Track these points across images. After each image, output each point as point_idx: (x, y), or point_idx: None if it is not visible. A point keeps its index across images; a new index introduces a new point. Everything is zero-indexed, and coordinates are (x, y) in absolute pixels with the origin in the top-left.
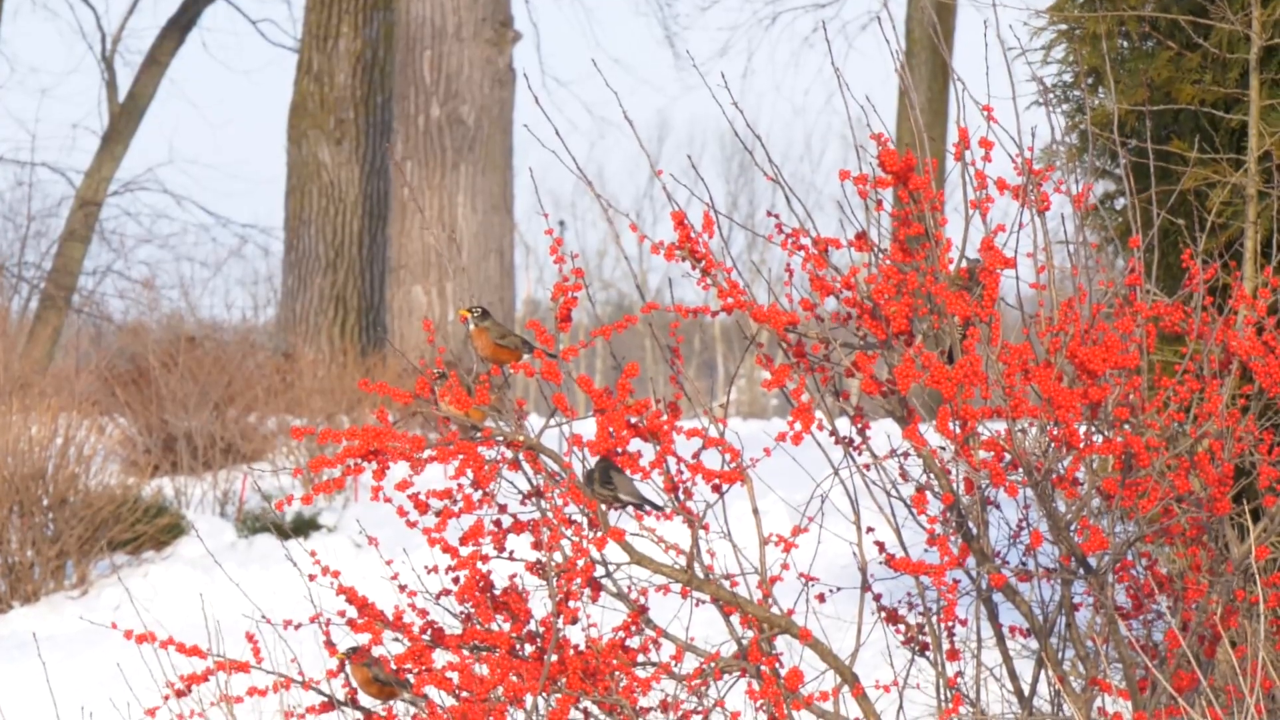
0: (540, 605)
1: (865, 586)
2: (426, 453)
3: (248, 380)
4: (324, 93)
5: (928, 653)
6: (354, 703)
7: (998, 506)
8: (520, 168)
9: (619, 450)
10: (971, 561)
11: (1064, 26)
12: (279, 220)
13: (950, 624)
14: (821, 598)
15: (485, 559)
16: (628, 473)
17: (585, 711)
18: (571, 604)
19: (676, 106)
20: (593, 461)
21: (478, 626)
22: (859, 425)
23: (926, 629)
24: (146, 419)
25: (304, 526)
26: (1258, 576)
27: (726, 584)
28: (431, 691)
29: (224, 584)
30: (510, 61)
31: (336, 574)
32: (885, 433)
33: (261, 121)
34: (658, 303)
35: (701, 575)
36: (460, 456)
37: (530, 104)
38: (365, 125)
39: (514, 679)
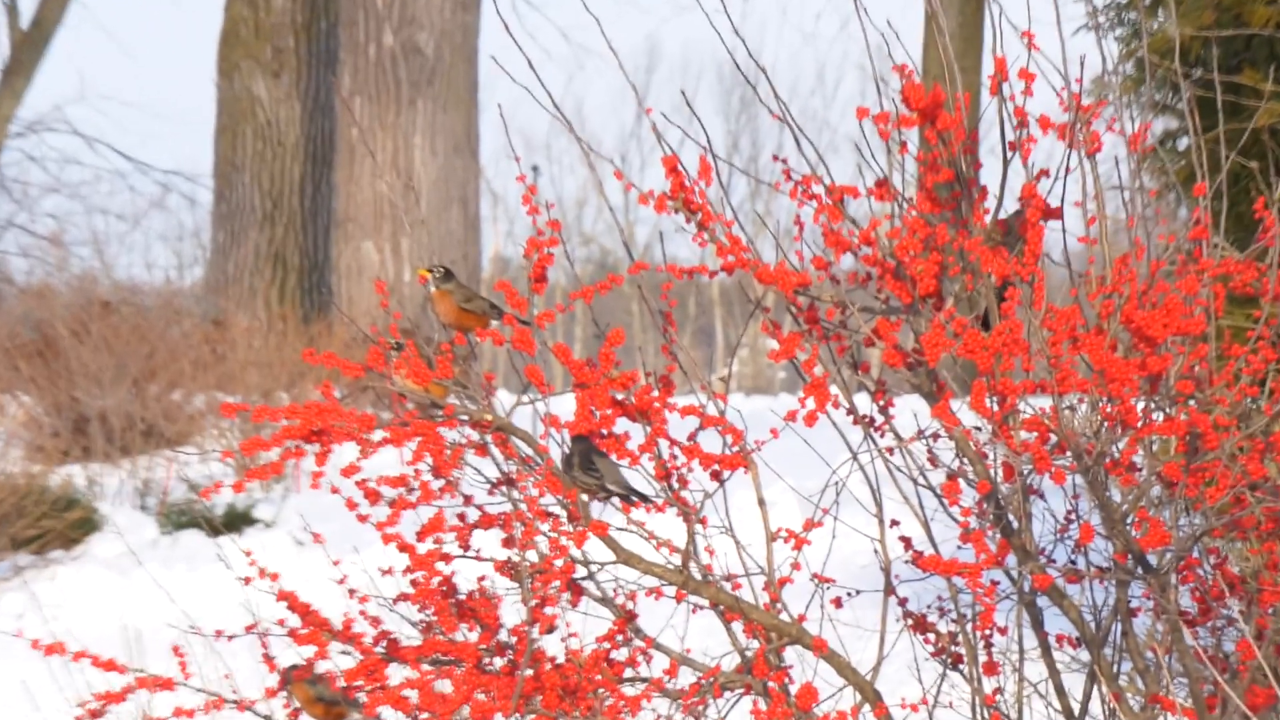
0: (512, 611)
1: (889, 589)
2: (378, 434)
3: (172, 352)
4: (259, 18)
5: (961, 666)
6: None
7: (1042, 496)
8: (487, 104)
9: (603, 431)
10: (1012, 560)
11: None
12: (207, 166)
13: (987, 632)
14: (838, 602)
15: (447, 558)
16: (613, 457)
17: None
18: (548, 610)
19: (668, 31)
20: (571, 444)
21: (439, 637)
22: (881, 402)
23: (960, 638)
24: (54, 397)
25: (237, 520)
26: None
27: (728, 586)
28: (386, 713)
29: (145, 587)
30: None
31: (275, 576)
32: (911, 411)
33: (187, 52)
34: (647, 261)
35: (699, 576)
36: (418, 438)
37: (498, 30)
38: (307, 55)
39: (481, 697)
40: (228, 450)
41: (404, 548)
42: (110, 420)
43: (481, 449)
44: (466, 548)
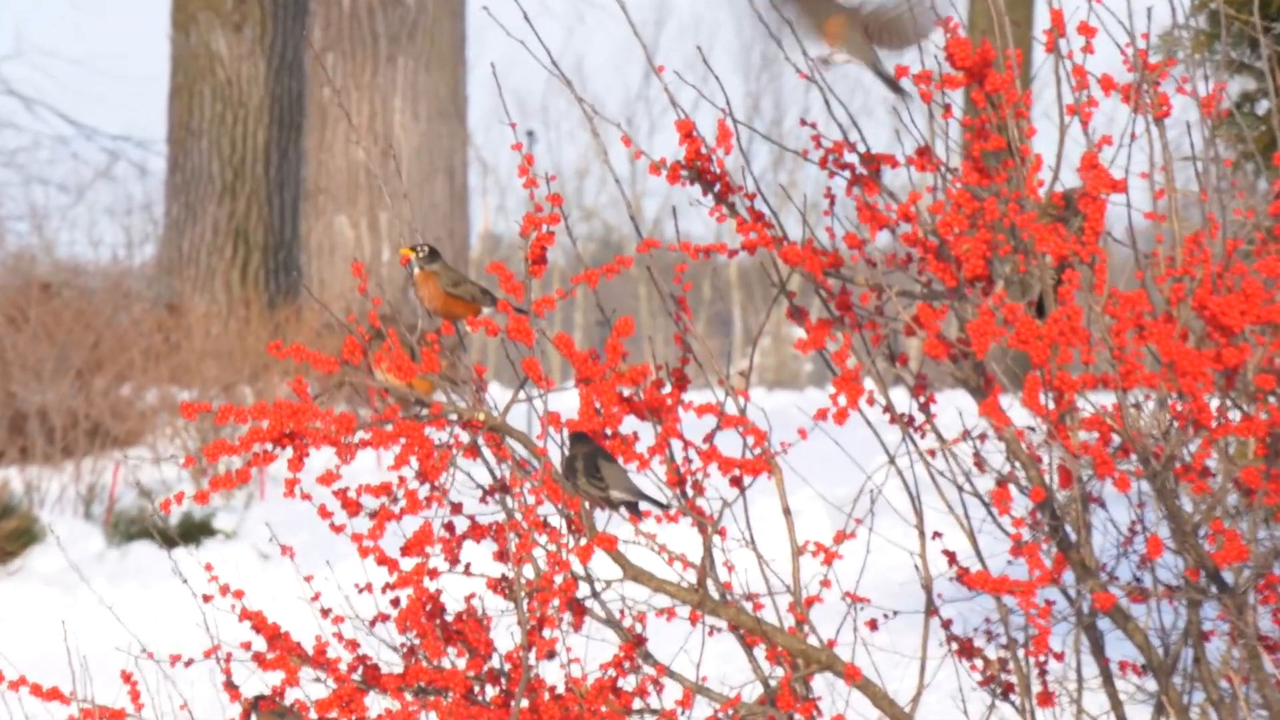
0: (506, 635)
1: (930, 610)
2: (358, 435)
3: (120, 340)
4: None
5: (1012, 696)
6: None
7: (1103, 505)
8: (475, 62)
9: (608, 431)
10: (1070, 577)
11: None
12: (160, 131)
13: (1042, 659)
14: (873, 624)
15: (434, 574)
16: (620, 461)
17: None
18: (547, 633)
19: None
20: (571, 445)
21: (424, 663)
22: (921, 398)
23: (1010, 665)
24: None
25: (194, 531)
26: None
27: (749, 606)
28: None
29: (91, 606)
30: None
31: (239, 594)
32: (955, 408)
33: (138, 2)
34: (657, 239)
35: (716, 595)
36: (401, 441)
37: None
38: (272, 6)
39: None
40: (188, 456)
41: (384, 562)
42: (51, 418)
43: (472, 452)
44: (455, 562)
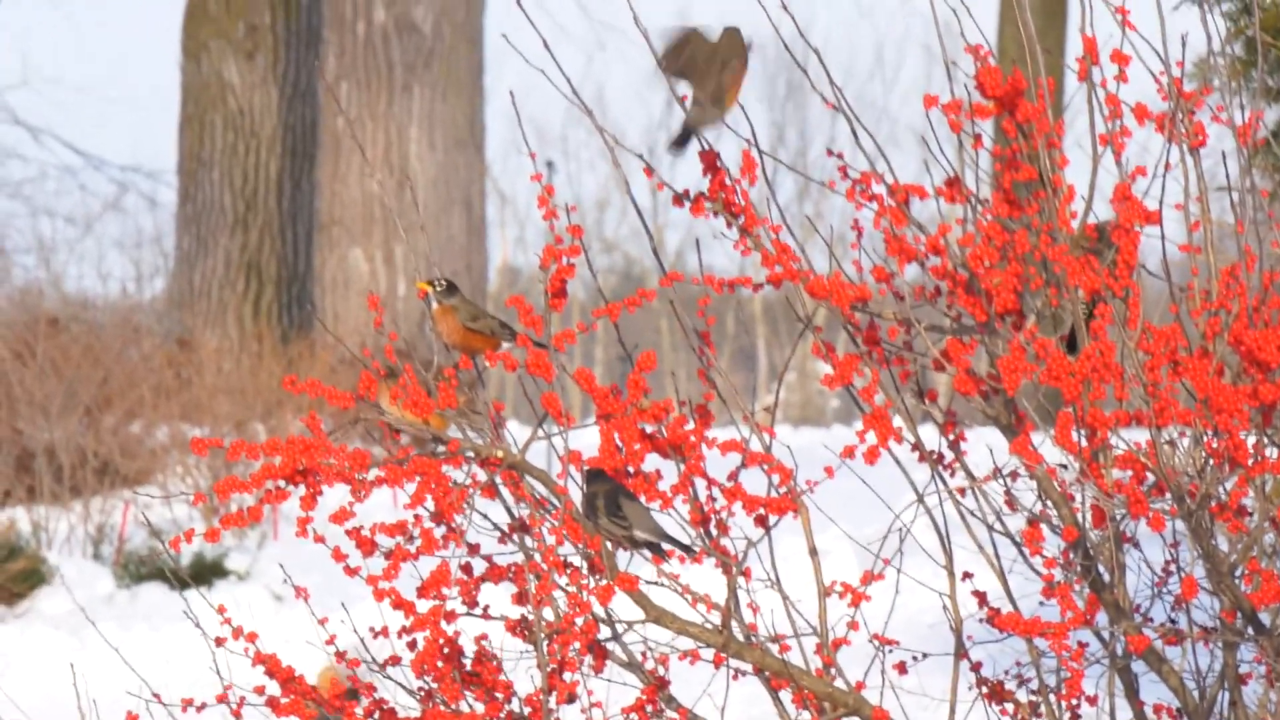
0: (525, 678)
1: (960, 652)
2: (373, 473)
3: (130, 376)
4: None
5: None
6: None
7: (1137, 545)
8: (493, 90)
9: (630, 469)
10: (1103, 619)
11: None
12: (170, 161)
13: (1074, 702)
14: (902, 667)
15: (451, 616)
16: (642, 499)
17: None
18: (567, 676)
19: (701, 5)
20: (589, 483)
21: (441, 707)
22: (951, 436)
23: (1042, 709)
24: None
25: (206, 572)
26: None
27: (774, 648)
28: None
29: (99, 649)
30: None
31: (252, 636)
32: (986, 445)
33: (147, 29)
34: (680, 272)
35: (741, 637)
36: (417, 478)
37: (504, 4)
38: (285, 33)
39: None
40: (198, 494)
41: (400, 604)
42: (59, 456)
43: (490, 490)
44: (473, 604)
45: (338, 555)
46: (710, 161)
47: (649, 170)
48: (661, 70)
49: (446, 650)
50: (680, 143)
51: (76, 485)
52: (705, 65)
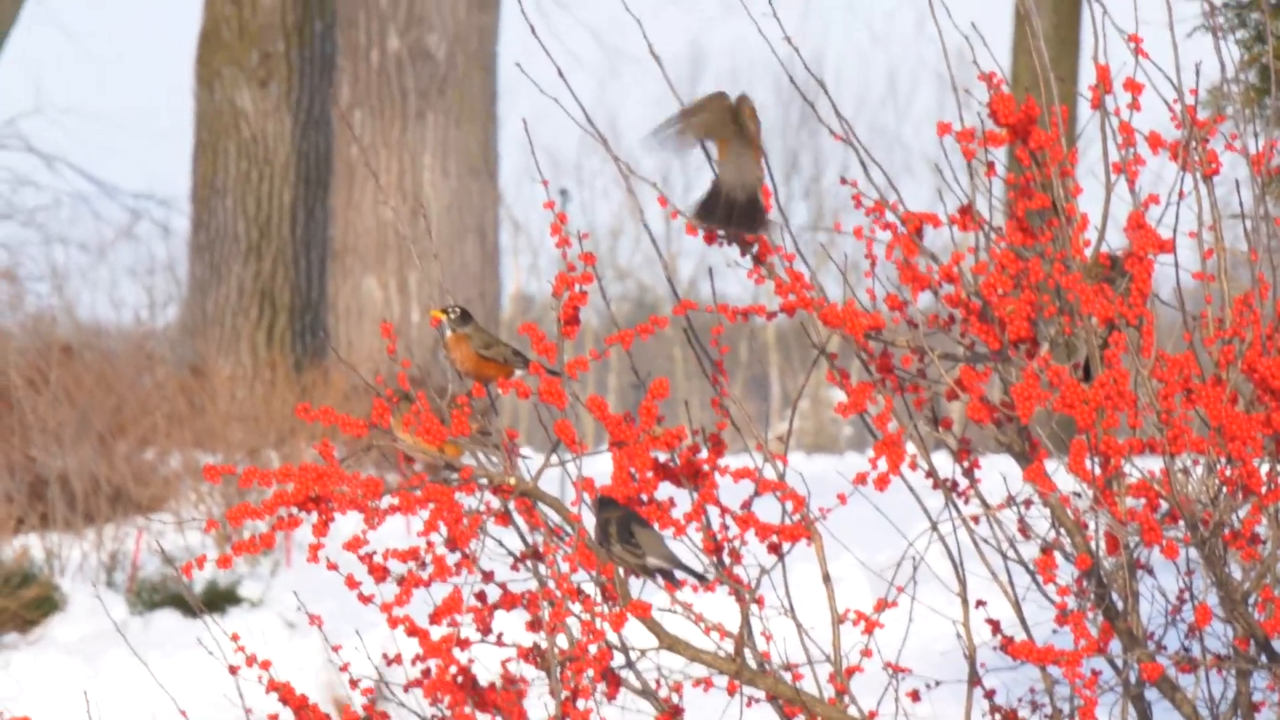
0: (539, 705)
1: (974, 680)
2: (386, 500)
3: (143, 403)
4: (244, 18)
5: None
6: None
7: (1151, 572)
8: (507, 117)
9: (643, 497)
10: (1116, 646)
11: None
12: (184, 189)
13: None
14: (915, 695)
15: (465, 643)
16: (655, 527)
17: None
18: (581, 704)
19: (715, 32)
20: (600, 509)
21: None
22: (965, 463)
23: None
24: (7, 455)
25: (219, 599)
26: None
27: (788, 676)
28: None
29: (113, 676)
30: None
31: (266, 664)
32: (999, 473)
33: (161, 57)
34: (693, 300)
35: (754, 665)
36: (430, 506)
37: (518, 32)
38: (299, 61)
39: None
40: (211, 520)
41: (414, 632)
42: (72, 483)
43: (503, 517)
44: (486, 631)
45: (351, 583)
46: None
47: (664, 199)
48: (682, 131)
49: (460, 677)
50: (708, 206)
51: (89, 512)
52: (724, 127)
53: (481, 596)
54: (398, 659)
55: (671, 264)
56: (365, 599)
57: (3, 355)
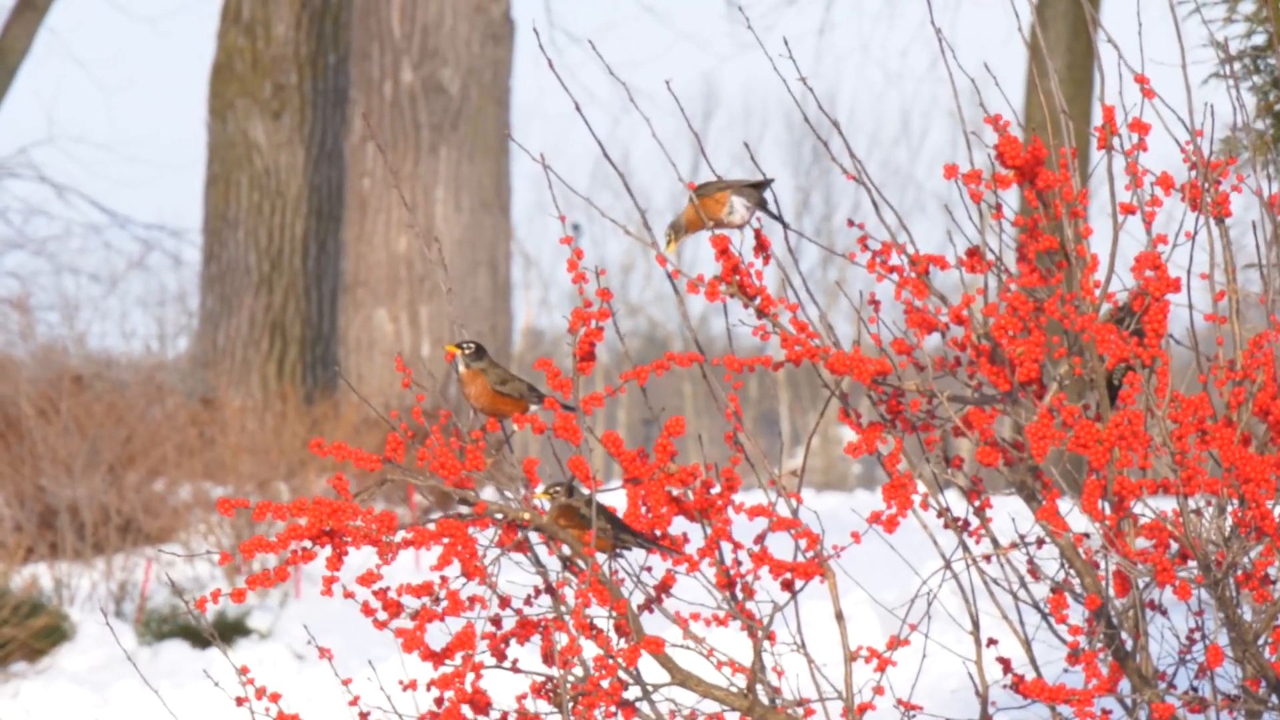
0: None
1: (986, 718)
2: (400, 534)
3: (153, 434)
4: (257, 50)
5: None
6: None
7: (1162, 612)
8: (519, 152)
9: (657, 532)
10: (1127, 686)
11: None
12: (195, 220)
13: None
14: None
15: (479, 669)
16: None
17: None
18: None
19: (729, 71)
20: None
21: None
22: (976, 503)
23: None
24: (17, 485)
25: (228, 630)
26: None
27: (800, 712)
28: None
29: (122, 707)
30: (507, 9)
31: (276, 696)
32: (1010, 513)
33: (173, 87)
34: (703, 336)
35: (767, 701)
36: (445, 540)
37: (534, 66)
38: (312, 94)
39: None
40: (224, 553)
41: (428, 657)
42: (81, 513)
43: (522, 547)
44: (501, 658)
45: (366, 610)
46: (721, 247)
47: (662, 259)
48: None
49: (473, 707)
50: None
51: (99, 542)
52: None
53: (497, 621)
54: (413, 685)
55: (683, 301)
56: (381, 625)
57: (13, 385)
